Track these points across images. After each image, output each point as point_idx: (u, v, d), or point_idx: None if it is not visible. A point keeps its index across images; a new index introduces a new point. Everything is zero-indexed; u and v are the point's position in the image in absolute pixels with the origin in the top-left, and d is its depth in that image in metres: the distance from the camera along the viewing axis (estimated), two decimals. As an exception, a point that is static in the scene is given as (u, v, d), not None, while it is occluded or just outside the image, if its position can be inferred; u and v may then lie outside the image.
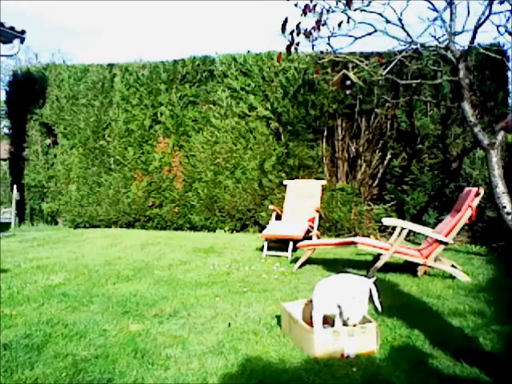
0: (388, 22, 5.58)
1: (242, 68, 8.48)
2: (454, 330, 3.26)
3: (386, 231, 7.40)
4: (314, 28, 5.44)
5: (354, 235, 7.31)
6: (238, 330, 3.27)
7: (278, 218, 7.07)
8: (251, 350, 2.92)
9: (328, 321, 3.09)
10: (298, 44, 5.46)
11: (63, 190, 9.36)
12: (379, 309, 3.14)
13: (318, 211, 6.78)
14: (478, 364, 2.62)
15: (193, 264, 5.61)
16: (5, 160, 11.71)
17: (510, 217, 5.05)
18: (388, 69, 5.94)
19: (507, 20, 5.41)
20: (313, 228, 6.61)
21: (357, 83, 6.34)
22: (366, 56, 7.28)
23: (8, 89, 9.93)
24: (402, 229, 4.91)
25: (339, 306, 3.02)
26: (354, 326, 2.93)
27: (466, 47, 5.75)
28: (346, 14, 5.46)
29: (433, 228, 5.44)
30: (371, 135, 7.81)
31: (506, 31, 5.52)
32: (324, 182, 7.36)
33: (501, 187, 5.17)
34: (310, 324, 3.01)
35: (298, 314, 3.22)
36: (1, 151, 11.75)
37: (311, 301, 3.10)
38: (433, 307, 3.79)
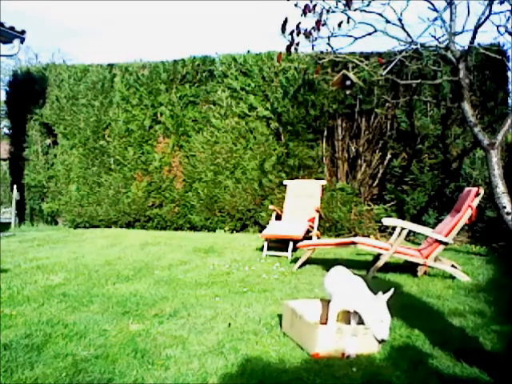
0: (388, 22, 5.57)
1: (242, 68, 8.48)
2: (454, 330, 3.26)
3: (386, 231, 7.40)
4: (313, 28, 5.42)
5: (354, 235, 7.31)
6: (237, 330, 3.26)
7: (278, 218, 7.07)
8: (251, 349, 2.91)
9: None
10: (297, 44, 5.44)
11: (63, 190, 9.36)
12: None
13: (318, 211, 6.78)
14: (478, 364, 2.62)
15: (193, 264, 5.61)
16: (5, 160, 11.70)
17: (509, 217, 5.04)
18: (388, 69, 5.93)
19: (507, 20, 5.40)
20: (313, 228, 6.61)
21: (357, 83, 6.33)
22: (366, 56, 7.28)
23: (8, 89, 9.94)
24: (402, 229, 4.91)
25: (356, 312, 2.98)
26: (383, 341, 2.83)
27: (466, 47, 5.74)
28: (346, 14, 5.45)
29: (433, 228, 5.45)
30: (371, 135, 7.81)
31: (506, 31, 5.51)
32: (324, 182, 7.36)
33: (501, 187, 5.17)
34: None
35: (302, 312, 3.21)
36: (1, 151, 11.74)
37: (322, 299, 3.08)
38: (433, 307, 3.79)
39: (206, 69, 8.74)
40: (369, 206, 7.77)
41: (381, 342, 2.83)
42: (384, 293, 2.87)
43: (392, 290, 2.92)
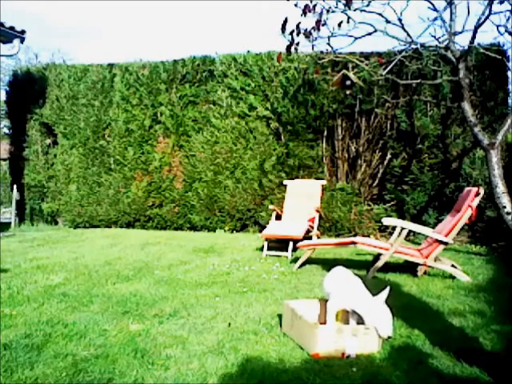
0: (388, 22, 5.57)
1: (242, 68, 8.48)
2: (454, 330, 3.26)
3: (386, 231, 7.40)
4: (313, 28, 5.43)
5: (354, 235, 7.31)
6: (238, 330, 3.26)
7: (278, 217, 7.07)
8: (251, 350, 2.91)
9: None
10: (297, 44, 5.45)
11: (63, 190, 9.36)
12: None
13: (318, 211, 6.78)
14: (478, 364, 2.62)
15: (193, 264, 5.61)
16: (5, 160, 11.71)
17: (509, 217, 5.04)
18: (388, 69, 5.93)
19: (507, 20, 5.40)
20: (313, 228, 6.61)
21: (357, 83, 6.34)
22: (366, 56, 7.27)
23: (8, 89, 9.94)
24: (402, 229, 4.91)
25: (354, 312, 2.98)
26: (389, 338, 2.83)
27: (466, 47, 5.74)
28: (346, 14, 5.45)
29: (433, 228, 5.44)
30: (371, 135, 7.81)
31: (506, 31, 5.51)
32: (324, 182, 7.36)
33: (501, 187, 5.17)
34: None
35: (302, 312, 3.21)
36: (1, 151, 11.75)
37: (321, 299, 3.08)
38: (433, 307, 3.79)
39: (206, 69, 8.74)
40: (369, 205, 7.77)
41: (387, 338, 2.83)
42: (381, 292, 2.90)
43: (388, 288, 2.92)
